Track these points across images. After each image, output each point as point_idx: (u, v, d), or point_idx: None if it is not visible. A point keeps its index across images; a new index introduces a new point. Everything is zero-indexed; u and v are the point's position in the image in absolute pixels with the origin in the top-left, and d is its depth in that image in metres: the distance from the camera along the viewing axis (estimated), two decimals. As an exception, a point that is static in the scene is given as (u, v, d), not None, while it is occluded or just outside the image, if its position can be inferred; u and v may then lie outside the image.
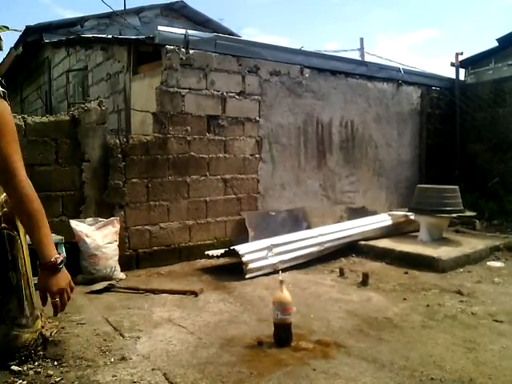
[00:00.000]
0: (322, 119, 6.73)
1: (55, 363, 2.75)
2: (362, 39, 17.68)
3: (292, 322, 3.10)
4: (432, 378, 2.59)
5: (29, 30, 8.73)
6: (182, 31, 5.41)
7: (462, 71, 8.86)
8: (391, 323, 3.48)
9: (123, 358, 2.84)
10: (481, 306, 3.86)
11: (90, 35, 7.59)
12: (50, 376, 2.59)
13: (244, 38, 6.37)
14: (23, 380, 2.54)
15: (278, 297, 3.03)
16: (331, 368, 2.72)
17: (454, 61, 8.61)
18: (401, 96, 7.78)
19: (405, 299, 4.05)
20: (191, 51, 5.40)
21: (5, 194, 2.80)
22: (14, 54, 9.41)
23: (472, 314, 3.67)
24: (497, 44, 8.62)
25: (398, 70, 7.82)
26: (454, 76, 8.61)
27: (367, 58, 15.98)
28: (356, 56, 16.87)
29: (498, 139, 8.00)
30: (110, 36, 6.72)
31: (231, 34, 10.49)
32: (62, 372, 2.65)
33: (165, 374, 2.63)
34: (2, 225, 2.75)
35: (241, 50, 5.89)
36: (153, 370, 2.69)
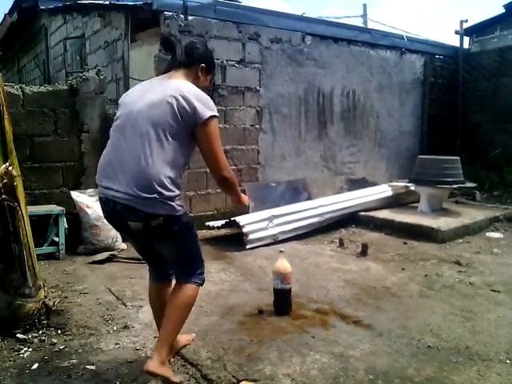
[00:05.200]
0: (323, 88, 6.63)
1: (59, 332, 2.80)
2: (365, 5, 17.23)
3: (292, 290, 3.14)
4: (429, 346, 2.64)
5: (23, -5, 8.49)
6: (181, -3, 5.26)
7: (466, 39, 8.68)
8: (389, 292, 3.53)
9: (126, 327, 2.90)
10: (479, 276, 3.91)
11: (87, 1, 7.38)
12: (54, 344, 2.65)
13: (244, 3, 6.18)
14: (28, 348, 2.61)
15: (278, 267, 3.07)
16: (330, 335, 2.77)
17: (458, 28, 8.41)
18: (404, 64, 7.64)
19: (403, 269, 4.10)
20: (190, 17, 5.27)
21: (4, 166, 2.79)
22: (9, 21, 9.17)
23: (470, 283, 3.71)
24: (503, 10, 8.41)
25: (402, 37, 7.66)
26: (458, 44, 8.42)
27: (370, 25, 15.60)
28: (359, 23, 16.47)
29: (500, 109, 7.90)
30: (107, 2, 6.53)
31: (231, -1, 10.21)
32: (65, 340, 2.71)
33: (167, 342, 2.68)
34: (3, 196, 2.75)
35: (241, 16, 5.75)
36: (155, 337, 2.73)
